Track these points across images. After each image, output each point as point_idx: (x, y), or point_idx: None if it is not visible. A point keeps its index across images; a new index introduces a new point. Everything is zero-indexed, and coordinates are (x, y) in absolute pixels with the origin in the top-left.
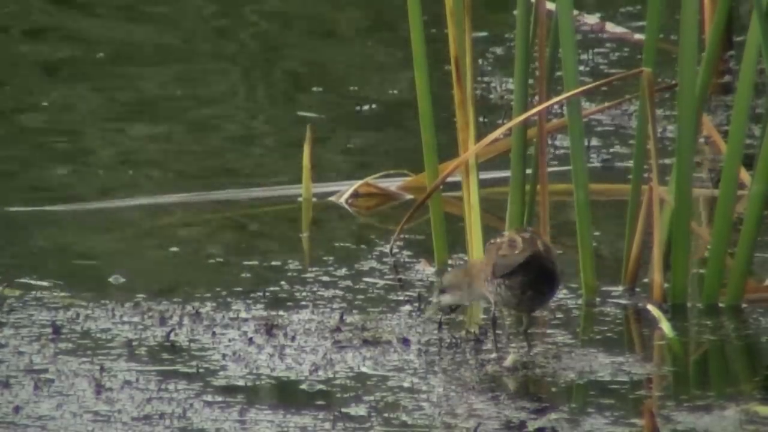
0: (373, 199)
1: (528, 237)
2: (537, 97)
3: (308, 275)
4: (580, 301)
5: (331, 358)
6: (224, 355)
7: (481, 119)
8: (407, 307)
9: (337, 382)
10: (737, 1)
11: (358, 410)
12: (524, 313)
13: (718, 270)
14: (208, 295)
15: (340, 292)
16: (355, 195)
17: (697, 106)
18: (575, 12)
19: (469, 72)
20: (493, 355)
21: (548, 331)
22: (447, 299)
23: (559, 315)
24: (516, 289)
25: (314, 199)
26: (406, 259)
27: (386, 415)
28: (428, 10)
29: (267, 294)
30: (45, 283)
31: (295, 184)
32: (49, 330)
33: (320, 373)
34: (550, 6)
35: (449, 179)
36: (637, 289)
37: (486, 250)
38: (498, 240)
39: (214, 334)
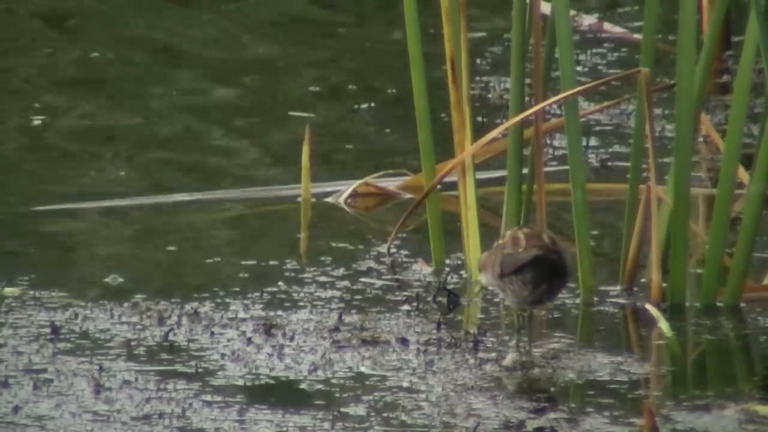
0: (372, 198)
1: (529, 232)
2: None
3: (306, 275)
4: (578, 301)
5: (330, 357)
6: (223, 355)
7: (480, 119)
8: (405, 307)
9: (336, 381)
10: (736, 1)
11: (357, 410)
12: (534, 306)
13: (716, 269)
14: (207, 295)
15: (338, 292)
16: (354, 195)
17: (694, 106)
18: (573, 12)
19: (464, 72)
20: (492, 355)
21: (547, 331)
22: (483, 280)
23: (558, 315)
24: (528, 283)
25: (313, 199)
26: (404, 259)
27: (385, 414)
28: (428, 10)
29: (265, 294)
30: (43, 283)
31: (294, 184)
32: (47, 330)
33: (319, 372)
34: (545, 6)
35: (448, 178)
36: (636, 289)
37: (492, 249)
38: (500, 240)
39: (212, 334)
